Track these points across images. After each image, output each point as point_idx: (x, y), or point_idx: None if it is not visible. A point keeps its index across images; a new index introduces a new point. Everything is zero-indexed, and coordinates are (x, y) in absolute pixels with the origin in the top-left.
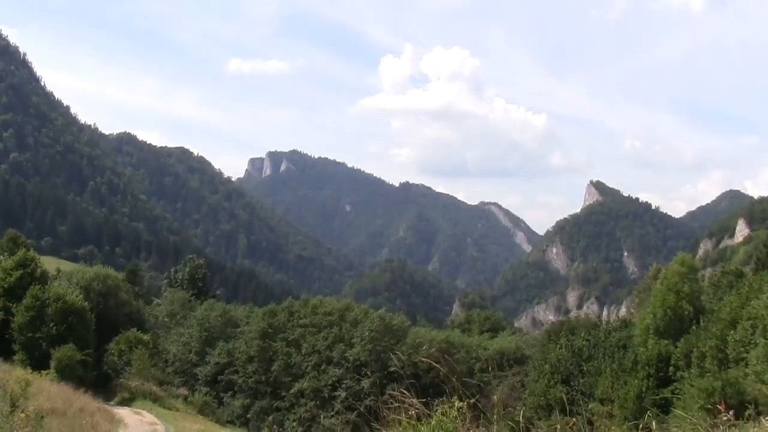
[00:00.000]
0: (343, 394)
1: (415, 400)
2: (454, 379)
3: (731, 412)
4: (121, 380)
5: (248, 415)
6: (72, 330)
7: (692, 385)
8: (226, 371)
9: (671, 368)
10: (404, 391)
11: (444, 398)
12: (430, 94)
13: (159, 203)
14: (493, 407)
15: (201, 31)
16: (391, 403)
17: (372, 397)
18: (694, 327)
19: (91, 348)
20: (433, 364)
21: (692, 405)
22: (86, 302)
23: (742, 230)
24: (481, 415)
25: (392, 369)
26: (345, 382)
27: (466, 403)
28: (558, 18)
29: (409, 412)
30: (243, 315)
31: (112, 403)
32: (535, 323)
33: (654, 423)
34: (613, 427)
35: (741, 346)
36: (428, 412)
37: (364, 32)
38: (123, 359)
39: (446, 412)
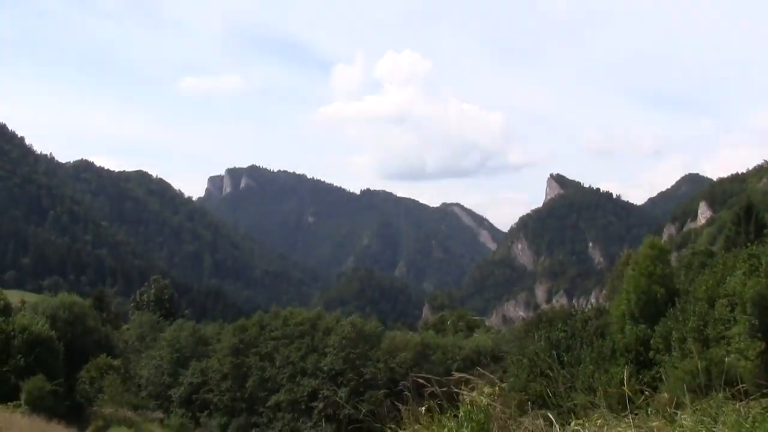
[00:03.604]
0: (321, 405)
1: (437, 389)
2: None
3: None
4: (94, 408)
5: None
6: (40, 360)
7: (676, 368)
8: (201, 390)
9: (651, 352)
10: (421, 380)
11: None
12: (385, 99)
13: (121, 228)
14: None
15: (150, 51)
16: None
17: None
18: (670, 309)
19: (61, 377)
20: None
21: (678, 387)
22: (53, 331)
23: (704, 213)
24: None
25: (368, 376)
26: (322, 392)
27: (497, 388)
28: (507, 13)
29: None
30: (213, 333)
31: None
32: (506, 320)
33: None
34: (597, 416)
35: (721, 324)
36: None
37: (315, 41)
38: (95, 386)
39: (474, 401)
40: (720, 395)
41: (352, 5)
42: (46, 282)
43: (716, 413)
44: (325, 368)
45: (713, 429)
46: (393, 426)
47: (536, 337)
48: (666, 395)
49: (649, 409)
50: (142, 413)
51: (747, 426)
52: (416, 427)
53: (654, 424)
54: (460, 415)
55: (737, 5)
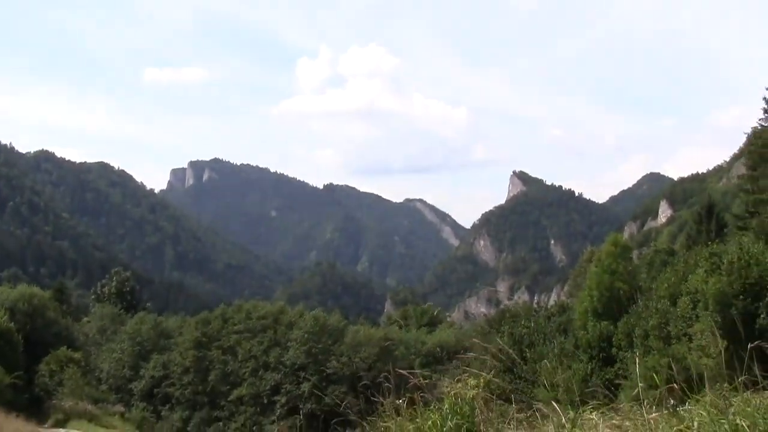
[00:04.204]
0: (283, 399)
1: (420, 380)
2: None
3: None
4: (54, 401)
5: (188, 428)
6: None
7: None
8: (163, 384)
9: (614, 349)
10: (400, 371)
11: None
12: (350, 93)
13: (82, 220)
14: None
15: (113, 41)
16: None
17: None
18: (632, 306)
19: (21, 370)
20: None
21: (639, 383)
22: (12, 323)
23: (664, 211)
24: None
25: (331, 371)
26: (284, 386)
27: (483, 380)
28: (473, 9)
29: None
30: (176, 326)
31: (46, 425)
32: (468, 316)
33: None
34: (592, 409)
35: (683, 321)
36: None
37: (279, 35)
38: (55, 379)
39: (459, 393)
40: (725, 385)
41: None
42: (5, 273)
43: (725, 404)
44: (288, 362)
45: (727, 419)
46: (373, 419)
47: (500, 333)
48: (675, 386)
49: (645, 402)
50: (102, 407)
51: (759, 416)
52: (398, 419)
53: (652, 416)
54: (444, 408)
55: (700, 5)
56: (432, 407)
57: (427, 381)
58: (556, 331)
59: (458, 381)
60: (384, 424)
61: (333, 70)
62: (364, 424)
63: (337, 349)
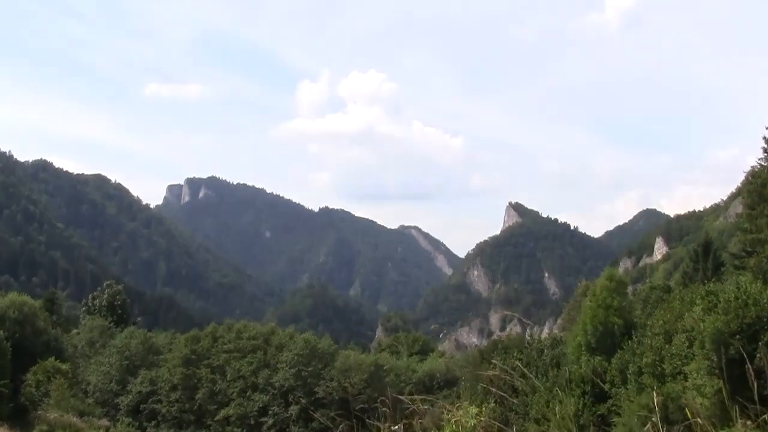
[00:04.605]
0: (271, 421)
1: (419, 406)
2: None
3: None
4: (39, 412)
5: None
6: None
7: (632, 401)
8: (149, 400)
9: (607, 384)
10: (399, 396)
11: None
12: (349, 117)
13: (76, 231)
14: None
15: (116, 55)
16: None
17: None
18: (627, 342)
19: (7, 378)
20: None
21: (632, 421)
22: (1, 331)
23: (660, 248)
24: None
25: (320, 395)
26: (272, 408)
27: (481, 408)
28: (474, 39)
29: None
30: (165, 342)
31: None
32: (458, 346)
33: None
34: None
35: (678, 359)
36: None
37: (282, 56)
38: (41, 390)
39: (459, 421)
40: (740, 422)
41: (320, 23)
42: None
43: None
44: (277, 384)
45: None
46: None
47: (491, 364)
48: (699, 421)
49: None
50: (87, 420)
51: None
52: None
53: None
54: None
55: (699, 44)
56: None
57: (426, 407)
58: (549, 365)
59: (458, 408)
60: None
61: (333, 93)
62: None
63: (327, 373)
